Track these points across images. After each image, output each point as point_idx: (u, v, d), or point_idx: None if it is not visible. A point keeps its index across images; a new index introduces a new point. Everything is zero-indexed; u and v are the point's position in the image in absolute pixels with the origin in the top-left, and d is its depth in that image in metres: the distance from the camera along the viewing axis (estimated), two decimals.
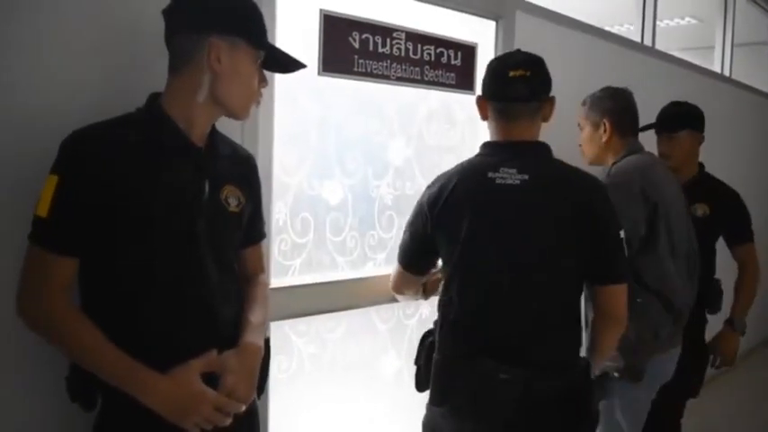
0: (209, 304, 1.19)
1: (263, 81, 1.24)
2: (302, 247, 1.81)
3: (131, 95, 1.22)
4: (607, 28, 3.31)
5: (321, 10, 1.73)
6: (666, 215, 1.91)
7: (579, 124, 2.11)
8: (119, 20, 1.31)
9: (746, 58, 4.78)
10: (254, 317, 1.29)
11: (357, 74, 1.83)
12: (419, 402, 1.62)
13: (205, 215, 1.18)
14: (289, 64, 1.29)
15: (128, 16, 1.32)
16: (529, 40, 2.46)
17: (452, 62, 2.09)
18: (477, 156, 1.58)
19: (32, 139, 1.19)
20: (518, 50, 1.59)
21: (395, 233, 2.01)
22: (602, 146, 2.03)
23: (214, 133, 1.25)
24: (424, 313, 2.16)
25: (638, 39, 3.46)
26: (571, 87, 2.42)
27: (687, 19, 5.15)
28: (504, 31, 2.37)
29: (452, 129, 2.18)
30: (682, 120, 2.36)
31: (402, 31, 1.93)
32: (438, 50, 2.03)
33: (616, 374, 1.90)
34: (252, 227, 1.36)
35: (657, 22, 3.59)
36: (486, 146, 1.58)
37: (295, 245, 1.79)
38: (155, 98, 1.19)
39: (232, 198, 1.25)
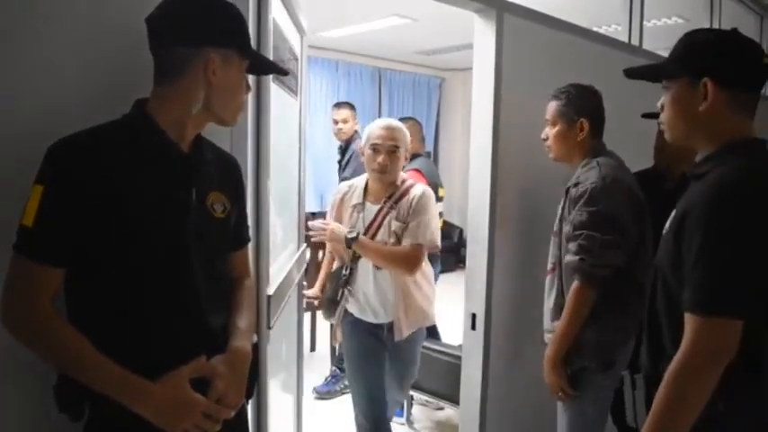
0: (199, 311, 1.19)
1: (248, 88, 1.26)
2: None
3: (117, 98, 1.21)
4: (595, 29, 3.33)
5: (273, 19, 1.75)
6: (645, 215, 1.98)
7: (549, 119, 2.11)
8: (108, 21, 1.28)
9: None
10: (242, 321, 1.29)
11: (283, 85, 1.94)
12: None
13: (193, 223, 1.18)
14: (269, 67, 1.34)
15: (118, 17, 1.29)
16: (517, 41, 2.47)
17: (294, 70, 2.23)
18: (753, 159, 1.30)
19: (15, 142, 1.15)
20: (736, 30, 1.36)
21: (280, 229, 2.16)
22: (575, 145, 2.05)
23: (199, 139, 1.24)
24: None
25: (625, 39, 3.47)
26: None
27: (674, 18, 5.17)
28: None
29: (293, 132, 2.38)
30: None
31: (285, 40, 2.03)
32: (293, 60, 2.17)
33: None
34: (238, 232, 1.36)
35: (645, 22, 3.60)
36: (751, 146, 1.32)
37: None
38: (141, 105, 1.17)
39: (218, 204, 1.25)
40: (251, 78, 1.54)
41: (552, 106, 2.10)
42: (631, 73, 1.49)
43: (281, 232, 2.18)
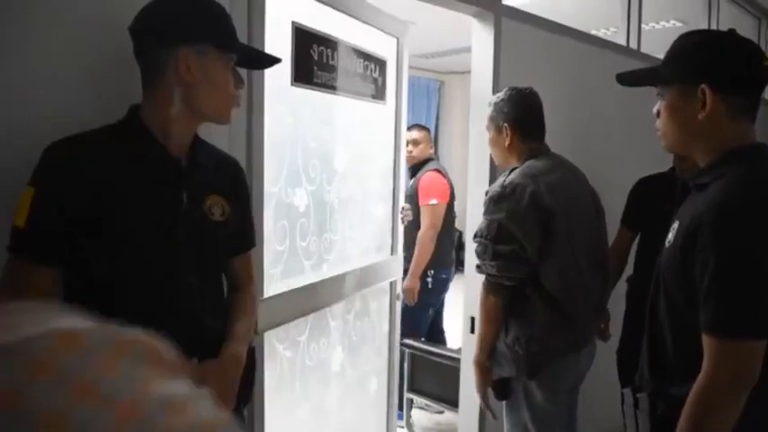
0: (191, 315, 1.19)
1: (240, 82, 1.23)
2: (282, 255, 1.84)
3: (115, 103, 1.21)
4: (593, 32, 3.33)
5: (293, 22, 1.76)
6: (567, 220, 1.87)
7: (486, 127, 2.09)
8: (111, 23, 1.27)
9: None
10: (239, 327, 1.28)
11: (316, 85, 1.90)
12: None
13: (184, 226, 1.18)
14: (262, 60, 1.33)
15: (121, 19, 1.28)
16: (515, 44, 2.47)
17: (373, 74, 2.18)
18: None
19: (9, 145, 1.16)
20: (733, 30, 1.29)
21: (339, 235, 2.13)
22: (506, 150, 2.02)
23: (197, 142, 1.24)
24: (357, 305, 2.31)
25: (623, 42, 3.48)
26: (557, 92, 2.43)
27: (672, 21, 5.18)
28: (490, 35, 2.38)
29: (374, 137, 2.33)
30: None
31: (340, 44, 2.01)
32: (365, 63, 2.13)
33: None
34: (239, 236, 1.35)
35: (643, 25, 3.61)
36: (753, 153, 1.25)
37: (276, 253, 1.81)
38: (135, 110, 1.18)
39: (216, 208, 1.24)
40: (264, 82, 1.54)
41: (486, 114, 2.10)
42: (623, 79, 1.43)
43: (359, 238, 2.23)
